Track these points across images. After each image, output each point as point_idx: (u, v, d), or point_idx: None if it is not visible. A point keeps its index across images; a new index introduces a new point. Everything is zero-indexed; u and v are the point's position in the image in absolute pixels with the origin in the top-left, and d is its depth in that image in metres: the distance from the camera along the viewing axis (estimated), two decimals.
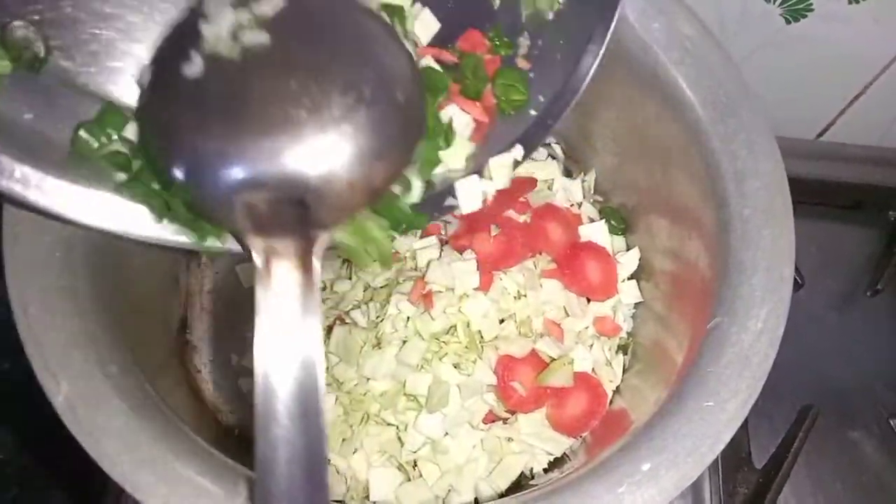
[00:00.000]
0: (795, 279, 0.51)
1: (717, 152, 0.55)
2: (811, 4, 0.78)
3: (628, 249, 0.70)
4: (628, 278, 0.69)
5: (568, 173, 0.75)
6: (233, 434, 0.66)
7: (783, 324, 0.50)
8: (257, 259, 0.40)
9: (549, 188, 0.73)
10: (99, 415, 0.45)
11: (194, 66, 0.40)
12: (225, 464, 0.47)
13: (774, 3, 0.78)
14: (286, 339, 0.40)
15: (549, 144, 0.75)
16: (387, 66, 0.43)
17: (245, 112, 0.39)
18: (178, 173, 0.40)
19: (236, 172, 0.39)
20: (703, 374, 0.49)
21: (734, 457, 0.72)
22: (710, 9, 0.79)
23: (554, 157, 0.75)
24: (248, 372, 0.69)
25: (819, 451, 0.76)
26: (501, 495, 0.60)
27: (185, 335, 0.70)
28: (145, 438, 0.45)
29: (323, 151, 0.39)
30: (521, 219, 0.69)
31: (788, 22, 0.81)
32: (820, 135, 0.96)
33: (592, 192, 0.73)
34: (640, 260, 0.69)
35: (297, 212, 0.40)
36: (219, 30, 0.40)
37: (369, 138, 0.40)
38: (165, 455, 0.45)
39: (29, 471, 0.75)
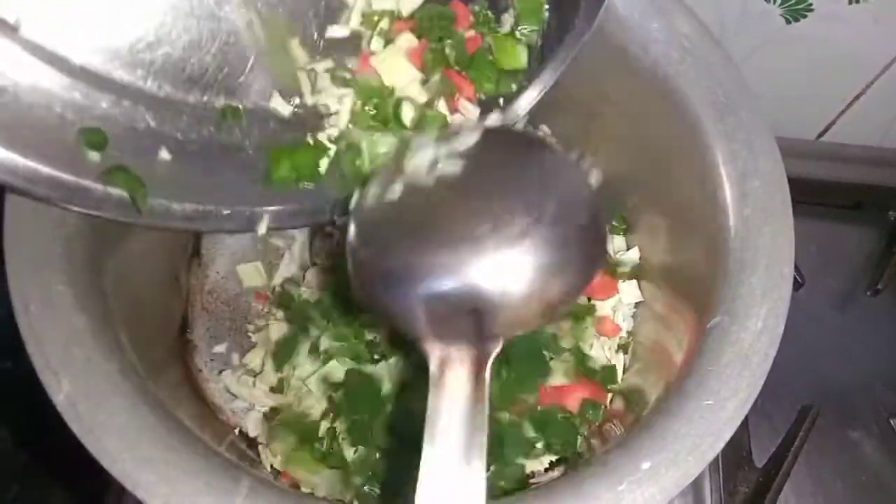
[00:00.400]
0: (795, 278, 0.51)
1: (716, 151, 0.55)
2: (811, 4, 0.78)
3: (628, 249, 0.70)
4: (628, 278, 0.69)
5: None
6: (233, 432, 0.66)
7: (783, 322, 0.49)
8: (433, 365, 0.42)
9: None
10: (100, 413, 0.45)
11: (395, 192, 0.45)
12: (226, 462, 0.47)
13: (774, 2, 0.78)
14: (454, 447, 0.39)
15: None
16: (567, 192, 0.47)
17: (433, 229, 0.44)
18: (373, 278, 0.45)
19: (421, 283, 0.43)
20: (703, 373, 0.49)
21: (735, 456, 0.72)
22: (710, 9, 0.80)
23: None
24: (249, 371, 0.69)
25: (819, 450, 0.76)
26: (502, 495, 0.60)
27: (186, 334, 0.70)
28: (146, 437, 0.45)
29: (502, 265, 0.43)
30: None
31: (788, 22, 0.81)
32: (820, 135, 0.96)
33: None
34: (640, 259, 0.69)
35: (475, 322, 0.42)
36: (420, 161, 0.46)
37: (547, 255, 0.43)
38: (166, 453, 0.45)
39: (29, 469, 0.75)
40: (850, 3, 0.77)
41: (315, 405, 0.65)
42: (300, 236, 0.74)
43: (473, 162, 0.46)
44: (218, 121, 0.47)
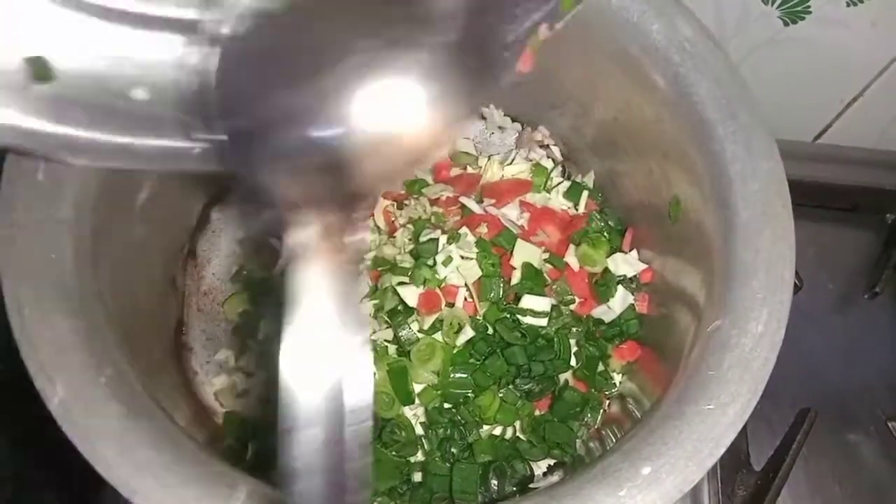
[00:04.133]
0: (794, 282, 0.51)
1: (716, 153, 0.55)
2: (809, 7, 0.78)
3: (629, 251, 0.69)
4: (628, 280, 0.68)
5: (566, 174, 0.75)
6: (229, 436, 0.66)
7: (784, 326, 0.49)
8: (294, 238, 0.35)
9: (547, 190, 0.73)
10: (95, 418, 0.45)
11: (233, 27, 0.37)
12: (222, 467, 0.47)
13: (773, 4, 0.78)
14: (322, 338, 0.35)
15: (547, 146, 0.75)
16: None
17: (287, 65, 0.36)
18: (223, 130, 0.38)
19: (272, 136, 0.36)
20: (703, 378, 0.49)
21: (733, 459, 0.71)
22: (708, 10, 0.80)
23: (552, 159, 0.75)
24: (245, 373, 0.69)
25: (817, 453, 0.76)
26: (501, 499, 0.59)
27: (182, 337, 0.69)
28: (142, 442, 0.45)
29: (371, 97, 0.35)
30: (520, 221, 0.69)
31: (786, 24, 0.81)
32: (817, 137, 0.96)
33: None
34: (638, 261, 0.68)
35: (336, 179, 0.36)
36: None
37: (430, 83, 0.36)
38: (162, 459, 0.45)
39: (24, 472, 0.75)
40: (848, 5, 0.77)
41: None
42: None
43: None
44: None
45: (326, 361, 0.35)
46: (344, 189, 0.36)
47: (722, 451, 0.46)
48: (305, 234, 0.36)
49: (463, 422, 0.61)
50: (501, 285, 0.62)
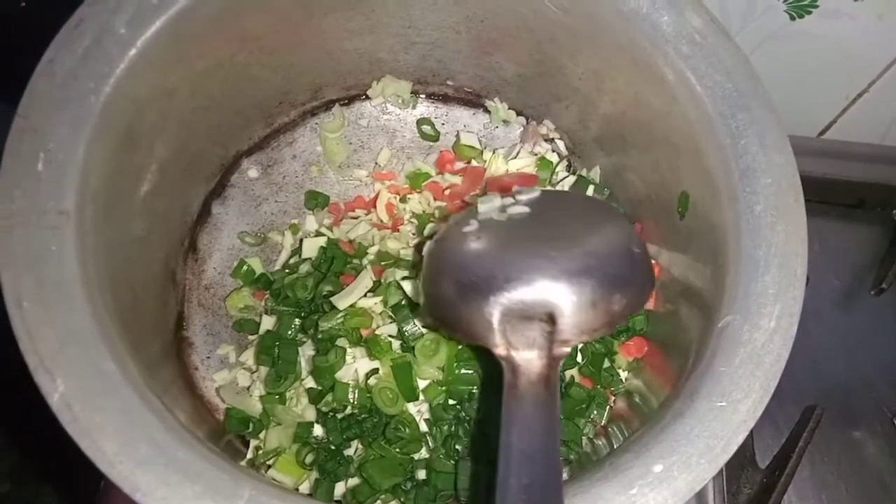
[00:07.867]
0: None
1: (726, 147, 0.54)
2: (816, 1, 0.77)
3: None
4: None
5: (571, 169, 0.74)
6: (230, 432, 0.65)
7: (796, 322, 0.49)
8: (507, 372, 0.46)
9: (553, 184, 0.72)
10: (96, 414, 0.44)
11: (471, 226, 0.52)
12: (225, 463, 0.46)
13: None
14: (529, 447, 0.42)
15: (552, 140, 0.74)
16: (618, 227, 0.53)
17: (510, 248, 0.50)
18: (452, 295, 0.50)
19: (500, 292, 0.48)
20: (715, 374, 0.48)
21: (738, 457, 0.70)
22: (714, 4, 0.79)
23: (557, 153, 0.74)
24: (246, 369, 0.68)
25: (823, 451, 0.75)
26: None
27: (182, 331, 0.69)
28: (144, 438, 0.44)
29: (575, 276, 0.48)
30: None
31: (793, 18, 0.80)
32: (822, 132, 0.96)
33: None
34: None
35: (545, 331, 0.47)
36: (490, 207, 0.53)
37: (612, 271, 0.50)
38: (165, 456, 0.44)
39: (21, 466, 0.74)
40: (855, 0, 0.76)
41: (308, 410, 0.64)
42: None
43: (538, 208, 0.53)
44: None
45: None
46: (543, 338, 0.47)
47: (734, 448, 0.46)
48: (508, 369, 0.47)
49: (468, 418, 0.60)
50: None
